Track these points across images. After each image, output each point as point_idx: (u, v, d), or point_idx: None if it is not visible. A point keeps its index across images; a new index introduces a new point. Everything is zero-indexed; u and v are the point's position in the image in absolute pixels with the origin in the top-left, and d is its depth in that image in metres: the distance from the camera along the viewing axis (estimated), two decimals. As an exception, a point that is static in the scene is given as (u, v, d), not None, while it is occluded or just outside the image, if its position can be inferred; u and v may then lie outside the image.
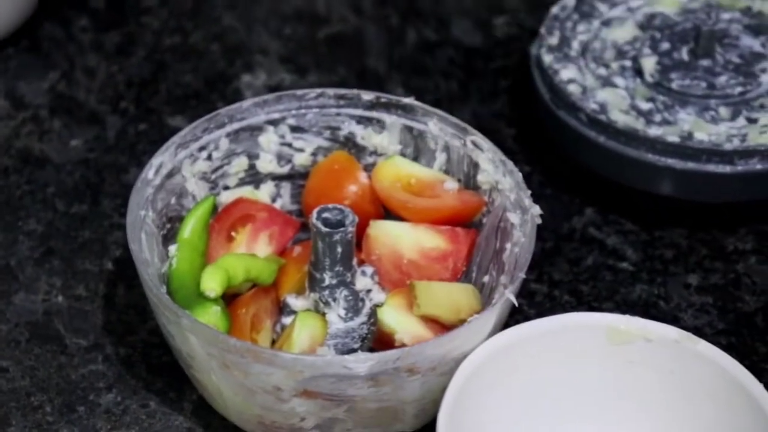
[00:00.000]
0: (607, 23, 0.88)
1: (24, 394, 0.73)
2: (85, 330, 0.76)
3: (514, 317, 0.78)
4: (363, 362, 0.65)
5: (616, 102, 0.83)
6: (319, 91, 0.78)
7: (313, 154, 0.79)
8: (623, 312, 0.78)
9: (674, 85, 0.83)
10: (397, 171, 0.77)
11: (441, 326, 0.72)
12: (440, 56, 0.94)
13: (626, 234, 0.83)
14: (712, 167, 0.80)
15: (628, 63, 0.85)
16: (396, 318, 0.72)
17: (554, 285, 0.80)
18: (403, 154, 0.78)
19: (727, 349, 0.76)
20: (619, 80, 0.84)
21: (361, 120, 0.78)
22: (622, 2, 0.89)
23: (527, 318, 0.78)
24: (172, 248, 0.73)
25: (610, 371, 0.68)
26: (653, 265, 0.81)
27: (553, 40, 0.86)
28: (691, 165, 0.80)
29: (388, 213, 0.77)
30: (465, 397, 0.65)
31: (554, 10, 0.88)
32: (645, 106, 0.83)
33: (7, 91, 0.90)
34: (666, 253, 0.82)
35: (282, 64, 0.93)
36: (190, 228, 0.74)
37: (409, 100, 0.77)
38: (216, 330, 0.68)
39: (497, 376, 0.67)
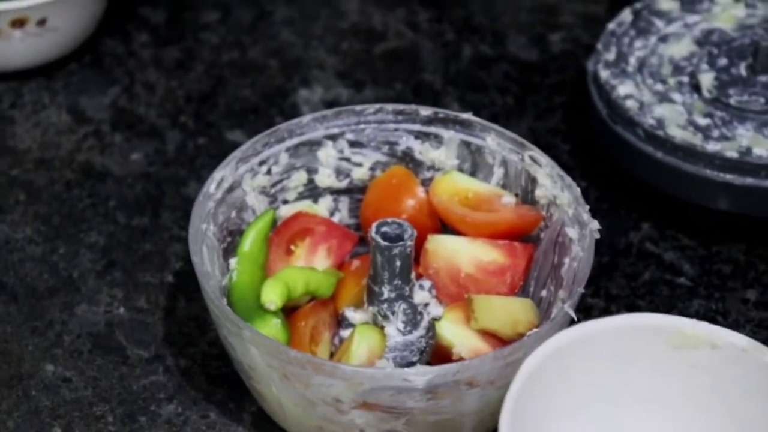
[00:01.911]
0: (664, 39, 0.88)
1: (87, 403, 0.74)
2: (146, 341, 0.77)
3: (571, 332, 0.78)
4: (422, 375, 0.66)
5: (674, 117, 0.83)
6: (377, 106, 0.78)
7: (371, 169, 0.79)
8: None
9: (732, 101, 0.83)
10: (455, 185, 0.78)
11: (498, 340, 0.72)
12: (496, 71, 0.94)
13: (683, 249, 0.83)
14: (770, 183, 0.80)
15: (685, 79, 0.85)
16: (454, 332, 0.73)
17: (611, 299, 0.80)
18: (460, 169, 0.78)
19: (787, 365, 0.76)
20: (676, 96, 0.84)
21: (418, 135, 0.79)
22: (679, 18, 0.89)
23: (584, 333, 0.78)
24: (233, 261, 0.74)
25: (671, 375, 0.68)
26: (711, 280, 0.81)
27: (610, 56, 0.87)
28: (749, 180, 0.80)
29: (445, 227, 0.78)
30: (526, 397, 0.65)
31: (611, 25, 0.88)
32: (703, 121, 0.83)
33: (70, 106, 0.91)
34: (724, 269, 0.82)
35: (339, 80, 0.94)
36: (250, 241, 0.75)
37: (466, 116, 0.78)
38: (277, 342, 0.68)
39: (557, 377, 0.67)
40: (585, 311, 0.79)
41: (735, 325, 0.78)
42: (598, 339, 0.67)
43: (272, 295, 0.71)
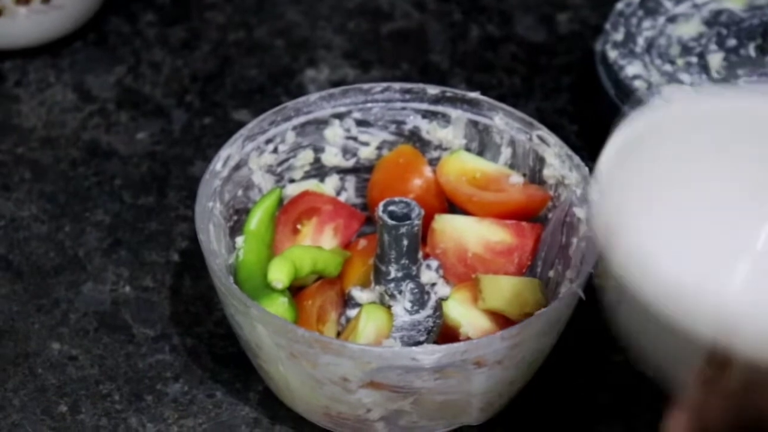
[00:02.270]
0: (672, 19, 0.88)
1: (93, 382, 0.74)
2: (152, 320, 0.77)
3: (578, 311, 0.78)
4: (430, 354, 0.66)
5: (682, 98, 0.82)
6: (384, 85, 0.78)
7: (378, 148, 0.79)
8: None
9: (741, 82, 0.83)
10: (462, 165, 0.78)
11: (506, 320, 0.72)
12: (503, 52, 0.94)
13: (691, 230, 0.82)
14: (779, 164, 0.79)
15: (694, 59, 0.85)
16: (461, 311, 0.72)
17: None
18: (468, 149, 0.78)
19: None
20: (684, 77, 0.84)
21: (426, 114, 0.78)
22: (687, -2, 0.89)
23: (591, 314, 0.78)
24: (239, 240, 0.74)
25: None
26: (719, 261, 0.81)
27: (618, 36, 0.86)
28: (758, 161, 0.80)
29: (452, 207, 0.77)
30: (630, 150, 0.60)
31: (619, 5, 0.88)
32: (711, 102, 0.82)
33: (75, 85, 0.91)
34: (732, 250, 0.81)
35: (345, 60, 0.93)
36: (256, 220, 0.75)
37: (474, 95, 0.77)
38: (285, 320, 0.68)
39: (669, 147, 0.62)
40: (593, 291, 0.79)
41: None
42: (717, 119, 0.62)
43: (279, 274, 0.71)
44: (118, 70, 0.92)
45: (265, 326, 0.67)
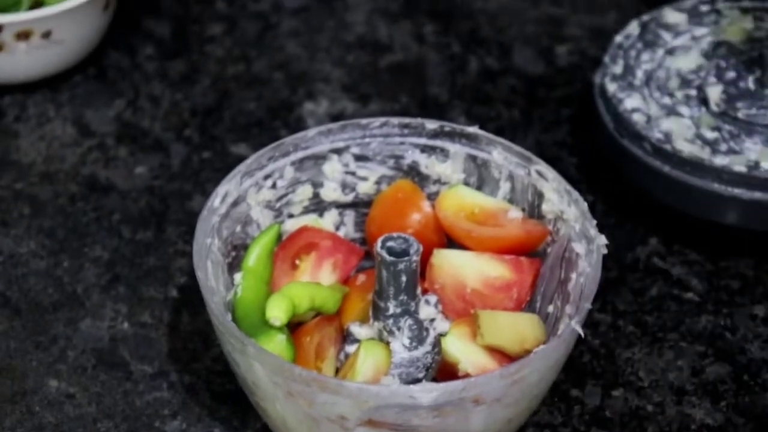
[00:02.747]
0: (671, 52, 0.88)
1: (90, 420, 0.74)
2: (150, 357, 0.77)
3: (578, 348, 0.77)
4: (428, 392, 0.65)
5: (681, 131, 0.82)
6: (383, 119, 0.78)
7: (377, 183, 0.79)
8: (689, 343, 0.78)
9: (740, 114, 0.83)
10: (461, 200, 0.77)
11: (505, 356, 0.71)
12: (502, 84, 0.94)
13: (691, 264, 0.82)
14: (778, 197, 0.79)
15: (693, 92, 0.85)
16: (460, 348, 0.72)
17: (618, 315, 0.79)
18: (466, 183, 0.78)
19: (796, 381, 0.76)
20: (684, 109, 0.84)
21: (424, 149, 0.78)
22: (686, 31, 0.89)
23: (591, 349, 0.78)
24: (237, 276, 0.74)
25: None
26: (719, 295, 0.80)
27: (617, 69, 0.86)
28: (757, 195, 0.80)
29: (451, 242, 0.77)
30: None
31: (618, 38, 0.88)
32: (710, 135, 0.82)
33: (74, 119, 0.91)
34: (732, 284, 0.81)
35: (344, 93, 0.93)
36: (255, 256, 0.74)
37: (473, 129, 0.77)
38: (282, 359, 0.68)
39: None
40: (592, 327, 0.79)
41: (743, 341, 0.78)
42: None
43: (277, 311, 0.71)
44: (117, 104, 0.92)
45: (262, 364, 0.67)
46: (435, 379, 0.72)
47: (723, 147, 0.81)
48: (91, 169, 0.88)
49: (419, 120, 0.78)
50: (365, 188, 0.79)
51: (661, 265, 0.82)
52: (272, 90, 0.93)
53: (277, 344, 0.70)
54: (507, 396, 0.67)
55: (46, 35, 0.89)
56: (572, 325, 0.68)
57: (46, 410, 0.74)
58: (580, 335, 0.69)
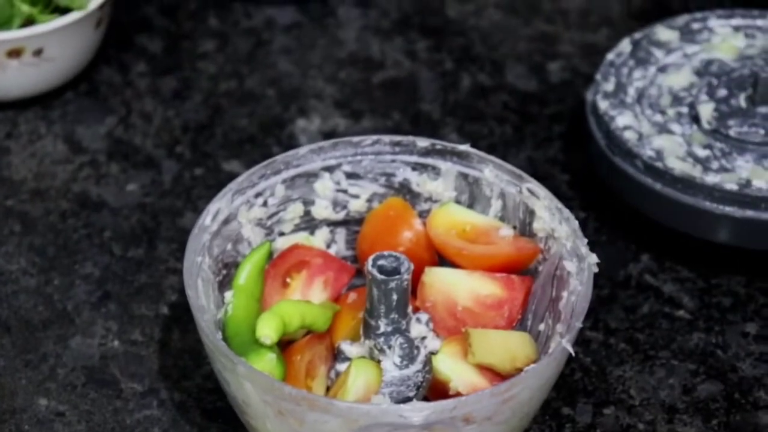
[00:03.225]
0: (663, 69, 0.88)
1: (80, 438, 0.73)
2: (141, 375, 0.76)
3: (569, 366, 0.77)
4: (419, 411, 0.65)
5: (673, 149, 0.82)
6: (374, 137, 0.78)
7: (369, 201, 0.79)
8: (680, 361, 0.78)
9: (732, 132, 0.83)
10: (452, 218, 0.77)
11: (496, 375, 0.71)
12: (495, 101, 0.94)
13: (683, 281, 0.82)
14: (770, 215, 0.79)
15: (684, 110, 0.85)
16: (451, 366, 0.72)
17: (610, 333, 0.79)
18: (458, 201, 0.78)
19: (787, 400, 0.75)
20: (675, 127, 0.84)
21: (416, 167, 0.78)
22: (678, 48, 0.89)
23: (583, 366, 0.77)
24: (228, 294, 0.74)
25: None
26: (710, 313, 0.80)
27: (609, 86, 0.86)
28: (749, 213, 0.80)
29: (442, 260, 0.77)
30: None
31: (610, 56, 0.88)
32: (702, 153, 0.82)
33: (66, 136, 0.91)
34: (724, 301, 0.81)
35: (336, 109, 0.93)
36: (245, 274, 0.74)
37: (464, 148, 0.77)
38: (272, 378, 0.68)
39: None
40: (583, 344, 0.78)
41: (735, 359, 0.78)
42: None
43: (267, 330, 0.70)
44: (108, 121, 0.92)
45: (252, 383, 0.67)
46: (426, 398, 0.71)
47: (714, 165, 0.81)
48: (82, 185, 0.88)
49: (410, 138, 0.78)
50: (356, 206, 0.79)
51: (653, 283, 0.82)
52: (264, 107, 0.93)
53: (268, 363, 0.70)
54: (498, 414, 0.67)
55: (38, 53, 0.89)
56: (563, 344, 0.68)
57: (35, 429, 0.74)
58: (572, 354, 0.69)
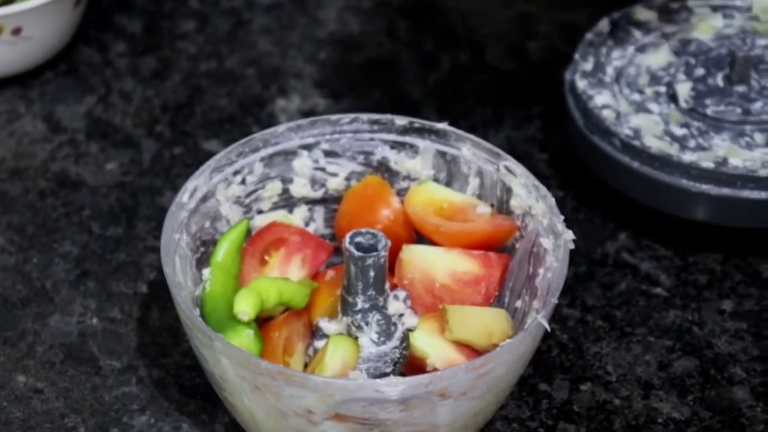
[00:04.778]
0: (641, 49, 0.88)
1: (58, 415, 0.73)
2: (119, 352, 0.77)
3: (546, 342, 0.78)
4: (395, 386, 0.65)
5: (650, 127, 0.83)
6: (352, 116, 0.78)
7: (347, 179, 0.79)
8: (657, 337, 0.78)
9: (709, 111, 0.83)
10: (430, 196, 0.78)
11: (473, 351, 0.72)
12: (474, 81, 0.94)
13: (660, 259, 0.82)
14: (746, 193, 0.80)
15: (662, 89, 0.85)
16: (428, 342, 0.72)
17: (587, 310, 0.80)
18: (436, 179, 0.78)
19: (762, 376, 0.76)
20: (653, 106, 0.84)
21: (394, 145, 0.78)
22: (656, 28, 0.89)
23: (560, 343, 0.78)
24: (206, 271, 0.74)
25: None
26: (687, 290, 0.81)
27: (588, 66, 0.86)
28: (725, 191, 0.80)
29: (420, 237, 0.77)
30: None
31: (589, 35, 0.88)
32: (679, 131, 0.83)
33: (45, 115, 0.91)
34: (700, 279, 0.81)
35: (316, 89, 0.93)
36: (223, 251, 0.74)
37: (442, 126, 0.77)
38: (248, 353, 0.68)
39: None
40: (560, 321, 0.79)
41: (711, 335, 0.78)
42: None
43: (245, 306, 0.71)
44: (88, 101, 0.92)
45: (228, 359, 0.67)
46: (403, 374, 0.72)
47: (692, 143, 0.82)
48: (61, 165, 0.88)
49: (389, 116, 0.78)
50: (335, 184, 0.79)
51: (630, 260, 0.82)
52: (244, 86, 0.93)
53: (245, 339, 0.70)
54: (473, 390, 0.67)
55: (16, 32, 0.89)
56: (538, 319, 0.69)
57: (13, 405, 0.74)
58: (547, 329, 0.69)
